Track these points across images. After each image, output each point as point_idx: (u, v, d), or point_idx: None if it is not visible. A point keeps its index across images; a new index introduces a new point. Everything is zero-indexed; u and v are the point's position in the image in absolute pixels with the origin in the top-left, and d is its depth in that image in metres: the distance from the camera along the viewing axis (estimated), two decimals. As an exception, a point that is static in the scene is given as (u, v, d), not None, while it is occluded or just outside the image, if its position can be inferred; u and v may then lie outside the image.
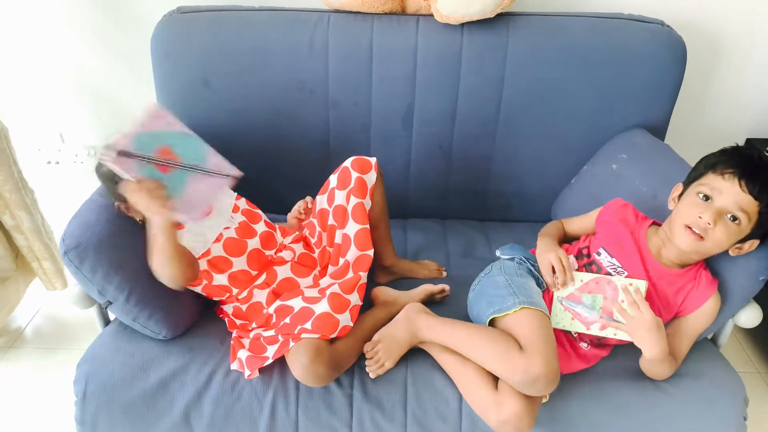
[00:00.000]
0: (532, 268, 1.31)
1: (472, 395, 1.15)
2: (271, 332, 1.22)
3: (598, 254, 1.24)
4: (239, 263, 1.27)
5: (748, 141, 1.89)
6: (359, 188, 1.31)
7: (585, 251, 1.28)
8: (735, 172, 1.10)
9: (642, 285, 1.17)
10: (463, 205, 1.73)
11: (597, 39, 1.50)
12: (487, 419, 1.11)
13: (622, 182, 1.45)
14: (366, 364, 1.20)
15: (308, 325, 1.17)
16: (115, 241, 1.19)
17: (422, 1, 1.52)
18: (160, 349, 1.24)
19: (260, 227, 1.35)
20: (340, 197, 1.33)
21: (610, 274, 1.21)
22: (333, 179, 1.36)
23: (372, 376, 1.19)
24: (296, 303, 1.23)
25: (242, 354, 1.21)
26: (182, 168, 0.97)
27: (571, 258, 1.28)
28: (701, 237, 1.10)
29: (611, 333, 1.18)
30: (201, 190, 0.98)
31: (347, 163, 1.34)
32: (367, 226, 1.32)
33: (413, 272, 1.46)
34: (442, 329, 1.20)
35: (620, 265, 1.21)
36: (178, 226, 1.05)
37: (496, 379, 1.13)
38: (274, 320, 1.25)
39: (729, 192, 1.10)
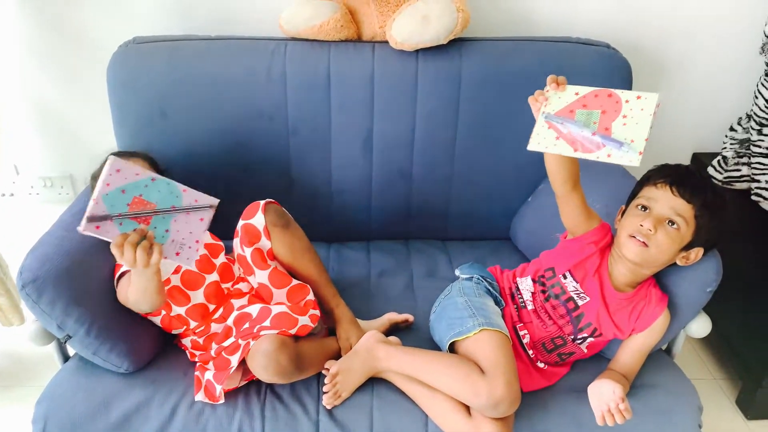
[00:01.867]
0: (490, 288, 1.34)
1: (447, 424, 1.15)
2: (232, 339, 1.21)
3: (564, 277, 1.27)
4: (196, 297, 1.26)
5: (695, 156, 1.97)
6: (246, 235, 1.30)
7: (549, 274, 1.30)
8: (666, 180, 1.18)
9: (653, 99, 1.02)
10: (425, 225, 1.75)
11: (546, 62, 1.55)
12: None
13: (576, 200, 1.49)
14: (323, 395, 1.20)
15: (267, 323, 1.18)
16: (75, 274, 1.17)
17: (377, 29, 1.55)
18: (122, 383, 1.22)
19: (220, 260, 1.35)
20: (236, 246, 1.33)
21: (572, 298, 1.25)
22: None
23: (328, 407, 1.19)
24: (254, 308, 1.24)
25: (208, 375, 1.20)
26: (160, 213, 0.95)
27: (528, 281, 1.31)
28: (645, 244, 1.15)
29: (604, 156, 1.02)
30: (186, 228, 0.96)
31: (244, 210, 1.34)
32: (274, 265, 1.31)
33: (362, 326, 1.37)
34: (401, 358, 1.21)
35: (583, 292, 1.25)
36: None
37: (466, 404, 1.15)
38: (234, 332, 1.24)
39: (663, 199, 1.16)
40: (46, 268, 1.14)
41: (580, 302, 1.24)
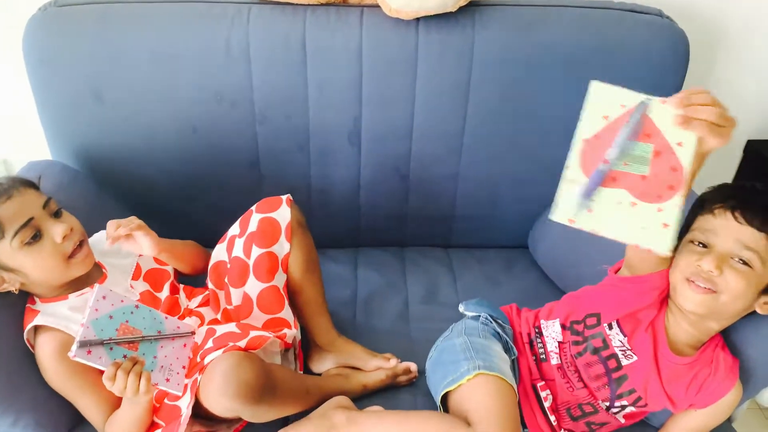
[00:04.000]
0: (500, 330, 1.06)
1: None
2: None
3: (610, 327, 0.98)
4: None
5: (749, 144, 1.66)
6: (263, 233, 1.03)
7: (591, 321, 1.00)
8: (726, 204, 0.88)
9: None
10: (424, 231, 1.46)
11: (583, 35, 1.22)
12: None
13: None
14: None
15: (209, 344, 0.95)
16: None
17: (368, -11, 1.22)
18: (32, 460, 0.96)
19: (164, 293, 1.07)
20: (238, 247, 1.05)
21: (616, 355, 0.96)
22: (235, 225, 1.09)
23: None
24: (199, 334, 1.01)
25: None
26: (147, 340, 0.89)
27: (557, 326, 1.03)
28: (711, 290, 0.86)
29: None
30: (173, 354, 0.91)
31: (254, 206, 1.07)
32: (276, 284, 1.04)
33: (358, 359, 1.14)
34: (365, 422, 0.95)
35: (630, 349, 0.96)
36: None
37: None
38: None
39: (725, 229, 0.87)
40: None
41: (624, 361, 0.96)
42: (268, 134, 1.29)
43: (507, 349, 1.05)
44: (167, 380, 0.88)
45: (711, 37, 1.45)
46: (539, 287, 1.35)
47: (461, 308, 1.13)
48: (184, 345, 0.92)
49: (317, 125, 1.29)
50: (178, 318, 1.06)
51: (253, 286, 1.04)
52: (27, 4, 1.22)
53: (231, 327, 1.01)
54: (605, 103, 0.82)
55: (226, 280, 1.07)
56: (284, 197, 1.08)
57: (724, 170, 1.69)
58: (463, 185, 1.37)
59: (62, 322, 0.95)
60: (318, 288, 1.13)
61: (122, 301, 0.88)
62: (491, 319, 1.07)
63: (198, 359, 0.94)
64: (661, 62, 1.25)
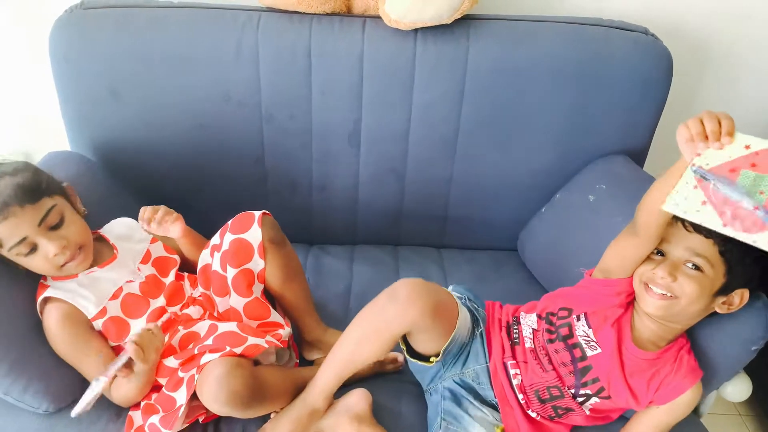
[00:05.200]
0: (474, 309, 1.13)
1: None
2: (173, 361, 1.02)
3: (578, 319, 1.05)
4: (138, 326, 1.05)
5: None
6: (235, 254, 1.06)
7: (563, 313, 1.07)
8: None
9: None
10: (418, 230, 1.53)
11: (572, 49, 1.29)
12: None
13: (599, 217, 1.26)
14: None
15: (209, 341, 0.99)
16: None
17: (370, 1, 1.29)
18: (41, 424, 1.03)
19: (170, 278, 1.14)
20: (216, 261, 1.09)
21: (580, 345, 1.03)
22: (216, 235, 1.13)
23: None
24: (202, 326, 1.06)
25: (155, 419, 1.00)
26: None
27: (532, 317, 1.09)
28: (667, 296, 0.93)
29: (764, 242, 0.79)
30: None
31: (230, 221, 1.11)
32: (256, 295, 1.10)
33: None
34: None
35: (595, 341, 1.03)
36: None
37: None
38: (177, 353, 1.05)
39: (676, 238, 0.94)
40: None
41: (589, 352, 1.02)
42: (274, 133, 1.36)
43: (475, 319, 1.11)
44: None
45: (696, 54, 1.51)
46: (525, 287, 1.41)
47: (449, 289, 1.19)
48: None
49: (319, 126, 1.36)
50: (182, 306, 1.13)
51: (236, 301, 1.08)
52: (54, 5, 1.31)
53: (232, 326, 1.04)
54: None
55: (211, 290, 1.12)
56: (257, 215, 1.08)
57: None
58: (456, 188, 1.44)
59: (69, 295, 1.02)
60: (299, 293, 1.16)
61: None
62: (467, 300, 1.14)
63: (196, 351, 1.00)
64: (646, 77, 1.31)
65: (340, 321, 1.27)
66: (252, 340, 1.01)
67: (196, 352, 0.99)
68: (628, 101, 1.33)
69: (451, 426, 1.02)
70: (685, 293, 0.92)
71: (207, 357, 0.96)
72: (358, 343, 1.01)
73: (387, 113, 1.34)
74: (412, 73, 1.29)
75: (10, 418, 1.03)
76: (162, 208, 1.13)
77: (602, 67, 1.30)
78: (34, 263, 1.01)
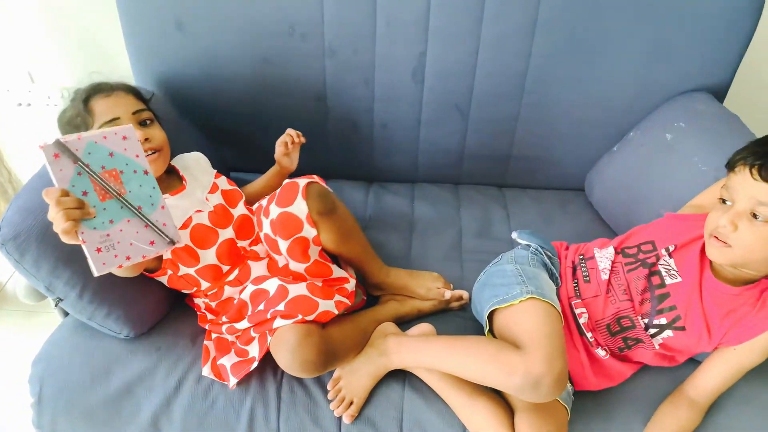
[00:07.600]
0: (548, 262, 1.11)
1: None
2: (245, 324, 1.06)
3: (661, 250, 1.03)
4: (208, 257, 1.07)
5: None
6: (282, 226, 1.05)
7: (647, 247, 1.05)
8: (745, 161, 0.88)
9: None
10: (480, 169, 1.50)
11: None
12: None
13: (676, 157, 1.20)
14: (331, 407, 1.04)
15: (281, 306, 1.00)
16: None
17: (440, -76, 1.22)
18: (124, 348, 1.09)
19: (238, 210, 1.15)
20: (267, 227, 1.09)
21: (660, 273, 1.01)
22: (265, 200, 1.12)
23: (347, 420, 1.02)
24: (272, 284, 1.06)
25: (226, 361, 1.05)
26: (122, 202, 0.84)
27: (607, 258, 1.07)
28: (727, 243, 0.89)
29: None
30: (129, 237, 0.83)
31: (279, 190, 1.08)
32: (315, 259, 1.10)
33: (408, 289, 1.19)
34: (415, 348, 1.03)
35: (676, 270, 1.00)
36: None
37: (511, 420, 0.96)
38: (249, 311, 1.07)
39: (741, 187, 0.89)
40: (29, 223, 0.97)
41: (669, 280, 1.00)
42: (336, 68, 1.34)
43: (554, 279, 1.10)
44: (98, 250, 0.80)
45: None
46: (592, 228, 1.38)
47: (514, 235, 1.17)
48: (152, 242, 0.86)
49: (383, 60, 1.32)
50: (251, 242, 1.15)
51: (296, 266, 1.09)
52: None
53: (302, 289, 1.03)
54: None
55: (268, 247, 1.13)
56: (301, 186, 1.05)
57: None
58: (522, 125, 1.39)
59: None
60: (357, 248, 1.15)
61: (137, 156, 0.84)
62: (541, 251, 1.12)
63: (269, 315, 1.01)
64: (735, 4, 1.21)
65: (402, 259, 1.29)
66: (323, 306, 1.01)
67: (268, 316, 1.01)
68: (713, 33, 1.24)
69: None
70: (742, 243, 0.88)
71: (279, 322, 0.98)
72: (462, 371, 0.97)
73: (453, 46, 1.29)
74: (482, 2, 1.23)
75: (96, 340, 1.09)
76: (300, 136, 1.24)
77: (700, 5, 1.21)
78: None
